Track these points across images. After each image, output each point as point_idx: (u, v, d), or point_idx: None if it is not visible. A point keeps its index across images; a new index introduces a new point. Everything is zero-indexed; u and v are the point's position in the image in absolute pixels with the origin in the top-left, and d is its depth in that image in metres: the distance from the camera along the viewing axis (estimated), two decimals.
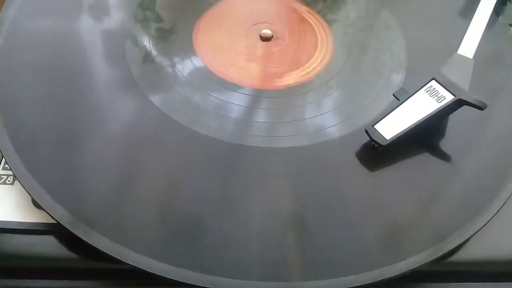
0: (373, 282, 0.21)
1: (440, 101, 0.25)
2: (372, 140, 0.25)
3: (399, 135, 0.24)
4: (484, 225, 0.23)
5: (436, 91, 0.25)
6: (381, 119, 0.25)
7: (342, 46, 0.31)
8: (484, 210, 0.24)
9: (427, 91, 0.25)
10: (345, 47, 0.31)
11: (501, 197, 0.24)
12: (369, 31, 0.32)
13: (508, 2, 0.34)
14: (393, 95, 0.26)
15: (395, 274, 0.21)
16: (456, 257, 0.23)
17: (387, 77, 0.29)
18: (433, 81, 0.26)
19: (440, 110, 0.25)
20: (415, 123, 0.24)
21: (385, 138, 0.24)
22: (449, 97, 0.25)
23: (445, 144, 0.26)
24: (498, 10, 0.33)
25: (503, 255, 0.24)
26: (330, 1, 0.34)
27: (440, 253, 0.22)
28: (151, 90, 0.27)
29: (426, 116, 0.25)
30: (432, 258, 0.22)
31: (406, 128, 0.24)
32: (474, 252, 0.24)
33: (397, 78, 0.29)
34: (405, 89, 0.26)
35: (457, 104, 0.25)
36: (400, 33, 0.32)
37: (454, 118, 0.26)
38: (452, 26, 0.32)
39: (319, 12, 0.33)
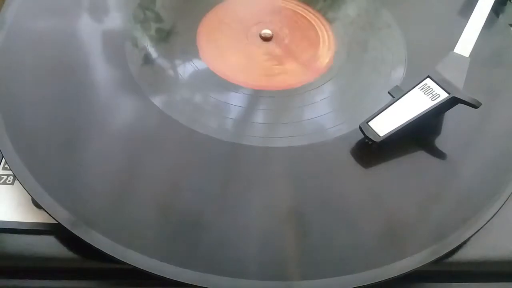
0: (372, 283, 0.21)
1: (435, 99, 0.25)
2: (366, 136, 0.25)
3: (393, 132, 0.24)
4: (484, 225, 0.23)
5: (431, 89, 0.25)
6: (375, 116, 0.25)
7: (341, 45, 0.31)
8: (484, 210, 0.23)
9: (421, 89, 0.25)
10: (344, 46, 0.31)
11: (501, 197, 0.24)
12: (368, 30, 0.32)
13: (508, 2, 0.34)
14: (388, 92, 0.26)
15: (394, 275, 0.21)
16: (456, 257, 0.23)
17: (386, 76, 0.29)
18: (428, 79, 0.26)
19: (434, 108, 0.25)
20: (409, 120, 0.24)
21: (378, 135, 0.24)
22: (443, 95, 0.25)
23: (443, 143, 0.26)
24: (497, 10, 0.33)
25: (503, 255, 0.24)
26: (330, 0, 0.34)
27: (440, 254, 0.22)
28: (152, 91, 0.27)
29: (420, 113, 0.25)
30: (433, 259, 0.22)
31: (400, 125, 0.24)
32: (474, 252, 0.24)
33: (397, 77, 0.29)
34: (403, 87, 0.26)
35: (451, 102, 0.25)
36: (400, 32, 0.32)
37: (452, 117, 0.26)
38: (451, 25, 0.32)
39: (319, 11, 0.33)
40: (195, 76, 0.29)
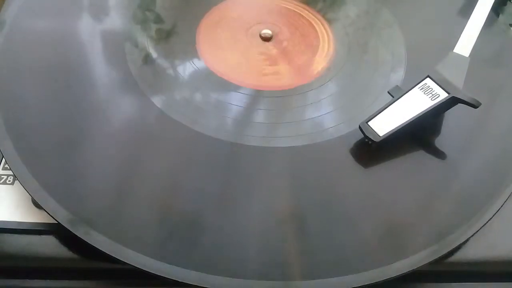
0: (371, 283, 0.21)
1: (434, 99, 0.25)
2: (365, 136, 0.25)
3: (392, 131, 0.24)
4: (484, 225, 0.23)
5: (431, 89, 0.25)
6: (375, 116, 0.25)
7: (342, 46, 0.31)
8: (484, 210, 0.23)
9: (421, 89, 0.25)
10: (344, 47, 0.31)
11: (500, 196, 0.24)
12: (368, 30, 0.32)
13: (508, 2, 0.34)
14: (388, 92, 0.26)
15: (393, 275, 0.21)
16: (456, 257, 0.23)
17: (387, 76, 0.29)
18: (428, 78, 0.26)
19: (434, 108, 0.25)
20: (409, 120, 0.24)
21: (378, 135, 0.24)
22: (443, 95, 0.25)
23: (443, 143, 0.26)
24: (498, 10, 0.33)
25: (503, 255, 0.24)
26: (330, 0, 0.34)
27: (440, 254, 0.22)
28: (152, 91, 0.27)
29: (419, 113, 0.25)
30: (432, 259, 0.22)
31: (400, 125, 0.24)
32: (474, 252, 0.24)
33: (397, 77, 0.29)
34: (402, 87, 0.26)
35: (451, 102, 0.25)
36: (400, 32, 0.32)
37: (452, 117, 0.26)
38: (452, 25, 0.32)
39: (319, 11, 0.33)
40: (195, 76, 0.29)
